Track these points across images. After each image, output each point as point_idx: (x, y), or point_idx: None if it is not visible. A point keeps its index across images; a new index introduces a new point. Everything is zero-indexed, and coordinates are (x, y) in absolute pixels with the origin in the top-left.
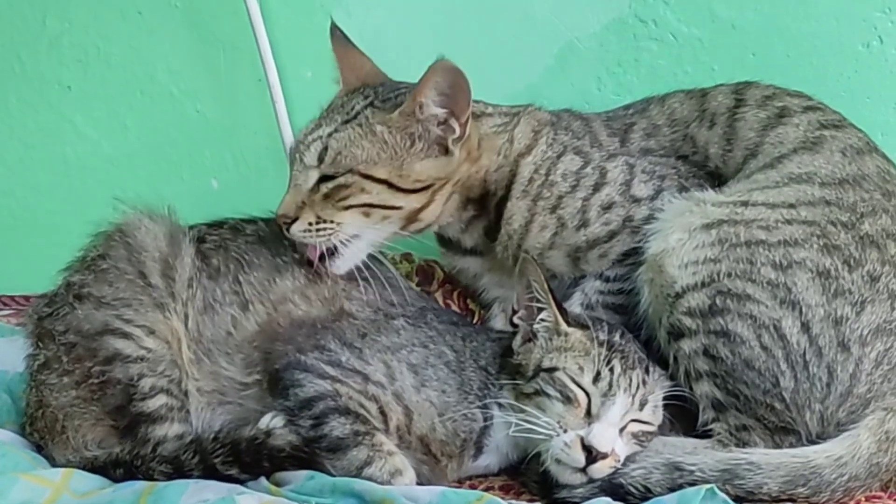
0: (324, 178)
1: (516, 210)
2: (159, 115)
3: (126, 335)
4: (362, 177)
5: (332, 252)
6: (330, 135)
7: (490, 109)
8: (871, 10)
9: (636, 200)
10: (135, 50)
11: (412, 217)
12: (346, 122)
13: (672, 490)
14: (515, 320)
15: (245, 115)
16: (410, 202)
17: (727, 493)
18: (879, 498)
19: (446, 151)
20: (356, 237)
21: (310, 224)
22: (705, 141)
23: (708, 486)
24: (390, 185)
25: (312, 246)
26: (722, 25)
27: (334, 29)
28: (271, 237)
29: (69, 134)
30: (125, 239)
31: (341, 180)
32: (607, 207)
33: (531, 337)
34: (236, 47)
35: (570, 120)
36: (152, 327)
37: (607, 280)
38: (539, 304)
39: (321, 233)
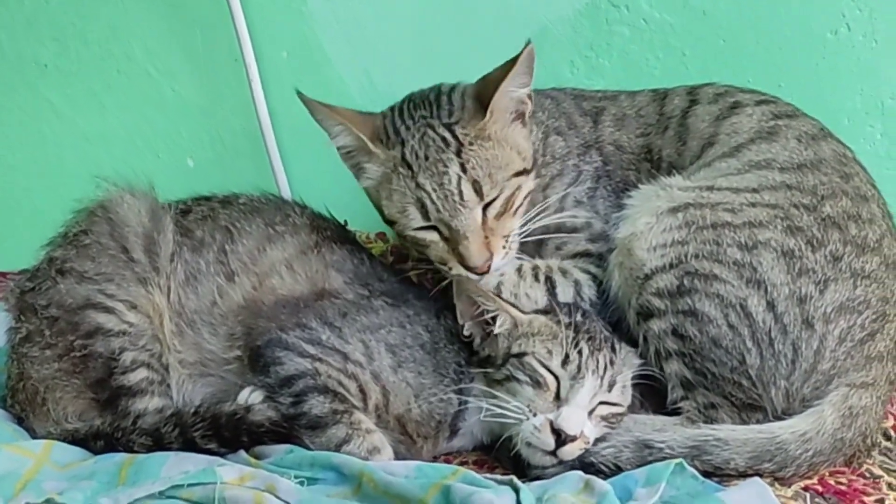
0: (487, 206)
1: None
2: (136, 94)
3: (108, 309)
4: (515, 176)
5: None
6: (464, 171)
7: None
8: None
9: (597, 213)
10: (112, 29)
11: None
12: (458, 152)
13: (642, 467)
14: (465, 333)
15: (221, 95)
16: (532, 178)
17: (696, 469)
18: (843, 473)
19: (524, 123)
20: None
21: (503, 247)
22: (660, 147)
23: (676, 460)
24: (525, 172)
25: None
26: (693, 12)
27: (301, 97)
28: (266, 207)
29: (46, 112)
30: (107, 214)
31: (505, 193)
32: (578, 204)
33: (490, 336)
34: (213, 27)
35: (540, 99)
36: (134, 302)
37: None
38: (490, 315)
39: (514, 244)
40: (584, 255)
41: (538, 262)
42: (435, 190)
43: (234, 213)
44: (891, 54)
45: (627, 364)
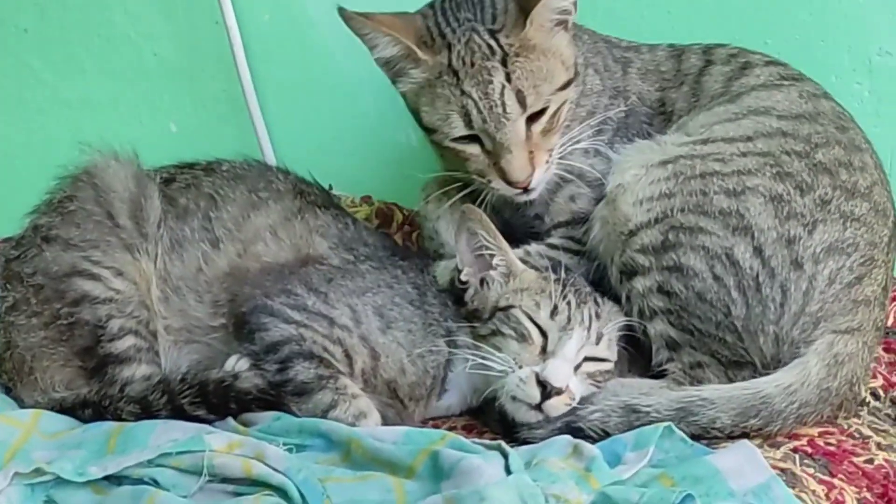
0: (531, 119)
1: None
2: (117, 58)
3: (94, 276)
4: (562, 89)
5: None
6: (508, 79)
7: None
8: None
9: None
10: None
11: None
12: (503, 62)
13: (629, 431)
14: (463, 278)
15: (203, 59)
16: (573, 92)
17: (683, 431)
18: (831, 434)
19: (566, 29)
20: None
21: (547, 162)
22: (674, 100)
23: (665, 424)
24: (569, 83)
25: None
26: None
27: (342, 11)
28: (249, 173)
29: (27, 77)
30: (92, 180)
31: (552, 107)
32: (598, 154)
33: (486, 285)
34: None
35: (579, 31)
36: (121, 268)
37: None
38: (489, 252)
39: (559, 161)
40: (582, 220)
41: (527, 248)
42: (481, 99)
43: (217, 181)
44: (878, 9)
45: (612, 318)
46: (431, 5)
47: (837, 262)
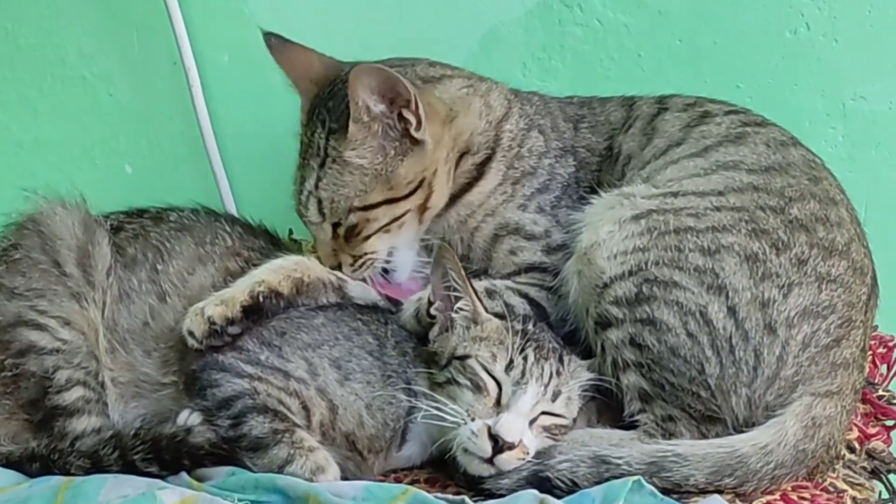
0: (335, 226)
1: (494, 172)
2: (71, 99)
3: (40, 326)
4: (362, 210)
5: (387, 271)
6: (316, 186)
7: (451, 72)
8: None
9: (558, 223)
10: (45, 32)
11: (422, 209)
12: (321, 165)
13: (599, 484)
14: (433, 311)
15: (160, 100)
16: (413, 202)
17: (654, 486)
18: (805, 488)
19: (417, 142)
20: (393, 250)
21: (351, 264)
22: (620, 142)
23: (634, 478)
24: (389, 201)
25: (372, 283)
26: (648, 11)
27: (268, 37)
28: (197, 225)
29: None
30: (38, 228)
31: (347, 222)
32: (541, 211)
33: (448, 327)
34: (150, 29)
35: (529, 96)
36: (68, 318)
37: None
38: (456, 293)
39: (363, 266)
40: (538, 268)
41: (494, 282)
42: (299, 192)
43: (164, 232)
44: (852, 54)
45: (576, 377)
46: (338, 75)
47: (813, 326)
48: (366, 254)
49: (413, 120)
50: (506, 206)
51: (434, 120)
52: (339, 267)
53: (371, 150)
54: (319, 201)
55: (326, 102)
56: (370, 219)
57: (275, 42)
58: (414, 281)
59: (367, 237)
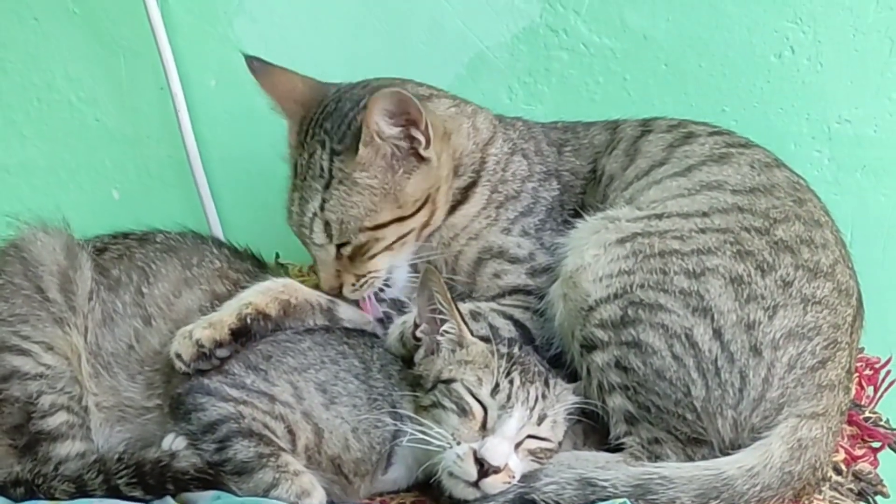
0: (340, 246)
1: (479, 196)
2: (58, 123)
3: (24, 352)
4: (371, 230)
5: (382, 289)
6: (322, 208)
7: (436, 92)
8: (783, 21)
9: (542, 246)
10: (31, 57)
11: (425, 226)
12: (327, 186)
13: None
14: (419, 334)
15: (147, 124)
16: (419, 220)
17: None
18: None
19: (423, 160)
20: (393, 269)
21: (353, 284)
22: (604, 164)
23: (620, 500)
24: (398, 220)
25: (364, 303)
26: (633, 36)
27: (250, 61)
28: (184, 247)
29: None
30: (20, 254)
31: (355, 242)
32: (525, 234)
33: (434, 350)
34: (137, 54)
35: (513, 121)
36: (51, 343)
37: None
38: (441, 316)
39: (365, 285)
40: (522, 290)
41: (479, 304)
42: (298, 214)
43: (150, 253)
44: (836, 78)
45: (561, 400)
46: (325, 96)
47: (798, 348)
48: (369, 272)
49: (422, 139)
50: (489, 230)
51: (435, 137)
52: (340, 288)
53: (381, 170)
54: (327, 223)
55: (322, 123)
56: (379, 238)
57: (257, 65)
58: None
59: (373, 256)
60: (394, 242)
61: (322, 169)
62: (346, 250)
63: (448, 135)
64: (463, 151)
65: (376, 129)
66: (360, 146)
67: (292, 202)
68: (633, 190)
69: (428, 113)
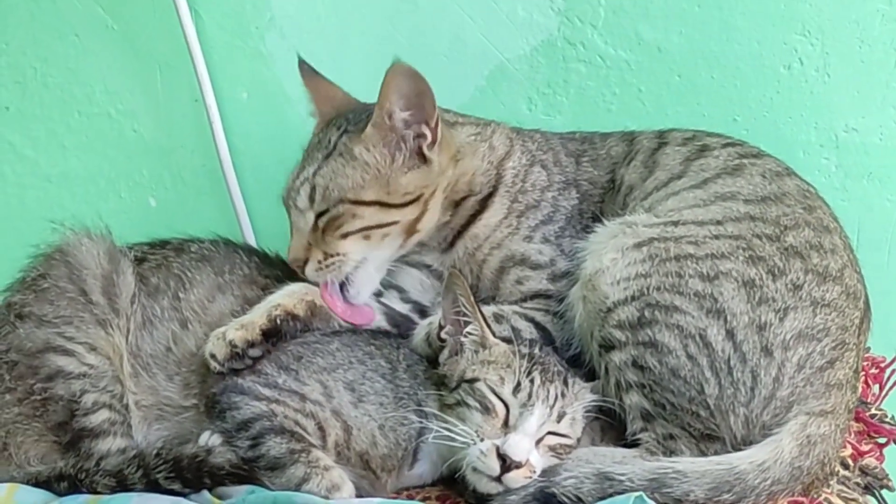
0: (319, 216)
1: (498, 206)
2: (97, 134)
3: (68, 352)
4: (352, 203)
5: (345, 285)
6: (315, 174)
7: (461, 119)
8: (792, 33)
9: (563, 252)
10: (72, 71)
11: (411, 229)
12: (327, 156)
13: (603, 499)
14: (443, 335)
15: (182, 135)
16: (405, 215)
17: (656, 501)
18: (801, 503)
19: (426, 161)
20: (364, 262)
21: (319, 262)
22: (622, 174)
23: (637, 493)
24: (381, 204)
25: (325, 289)
26: (648, 48)
27: (302, 64)
28: (216, 256)
29: (7, 153)
30: (65, 258)
31: (333, 212)
32: (546, 241)
33: (458, 350)
34: (173, 68)
35: (531, 133)
36: (94, 344)
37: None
38: (465, 318)
39: (330, 267)
40: (544, 295)
41: (502, 307)
42: (293, 179)
43: (185, 262)
44: (843, 88)
45: (580, 398)
46: (357, 107)
47: (807, 348)
48: (338, 254)
49: (429, 136)
50: (511, 239)
51: (444, 151)
52: (304, 263)
53: (382, 154)
54: (313, 188)
55: (346, 115)
56: (356, 215)
57: (307, 69)
58: (369, 308)
59: (346, 234)
60: (372, 228)
61: (329, 143)
62: (323, 220)
63: (459, 158)
64: (476, 171)
65: (388, 108)
66: (369, 126)
67: (292, 172)
68: (653, 200)
69: (446, 129)
